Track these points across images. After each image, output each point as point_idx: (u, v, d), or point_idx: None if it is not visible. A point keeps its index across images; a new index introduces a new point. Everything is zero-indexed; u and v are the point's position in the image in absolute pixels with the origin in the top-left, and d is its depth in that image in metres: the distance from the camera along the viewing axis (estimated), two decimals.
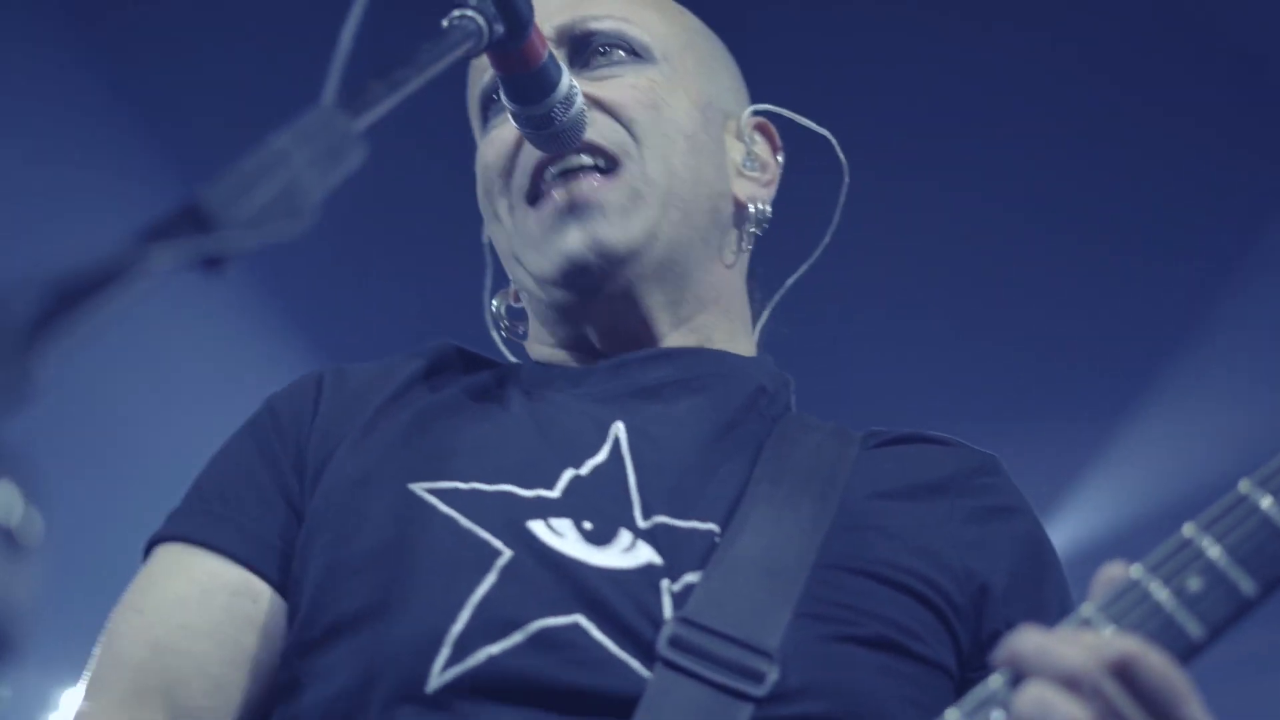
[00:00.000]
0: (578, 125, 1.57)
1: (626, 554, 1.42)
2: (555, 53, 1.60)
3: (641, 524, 1.45)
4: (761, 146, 1.83)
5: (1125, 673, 1.01)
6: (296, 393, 1.65)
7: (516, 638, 1.35)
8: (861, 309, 4.61)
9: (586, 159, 1.65)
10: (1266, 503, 1.04)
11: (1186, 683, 1.02)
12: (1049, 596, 1.54)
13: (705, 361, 1.68)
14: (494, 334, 1.83)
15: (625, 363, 1.66)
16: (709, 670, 1.33)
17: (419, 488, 1.48)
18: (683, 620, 1.36)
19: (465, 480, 1.49)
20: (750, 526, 1.44)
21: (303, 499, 1.54)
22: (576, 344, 1.72)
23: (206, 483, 1.60)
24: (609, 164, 1.67)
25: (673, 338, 1.70)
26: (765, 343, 1.85)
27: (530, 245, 1.67)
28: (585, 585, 1.39)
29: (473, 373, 1.69)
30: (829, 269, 1.88)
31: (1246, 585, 1.01)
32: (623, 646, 1.35)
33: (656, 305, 1.68)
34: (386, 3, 1.26)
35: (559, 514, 1.45)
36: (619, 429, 1.55)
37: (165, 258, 0.92)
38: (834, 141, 1.86)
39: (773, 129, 1.86)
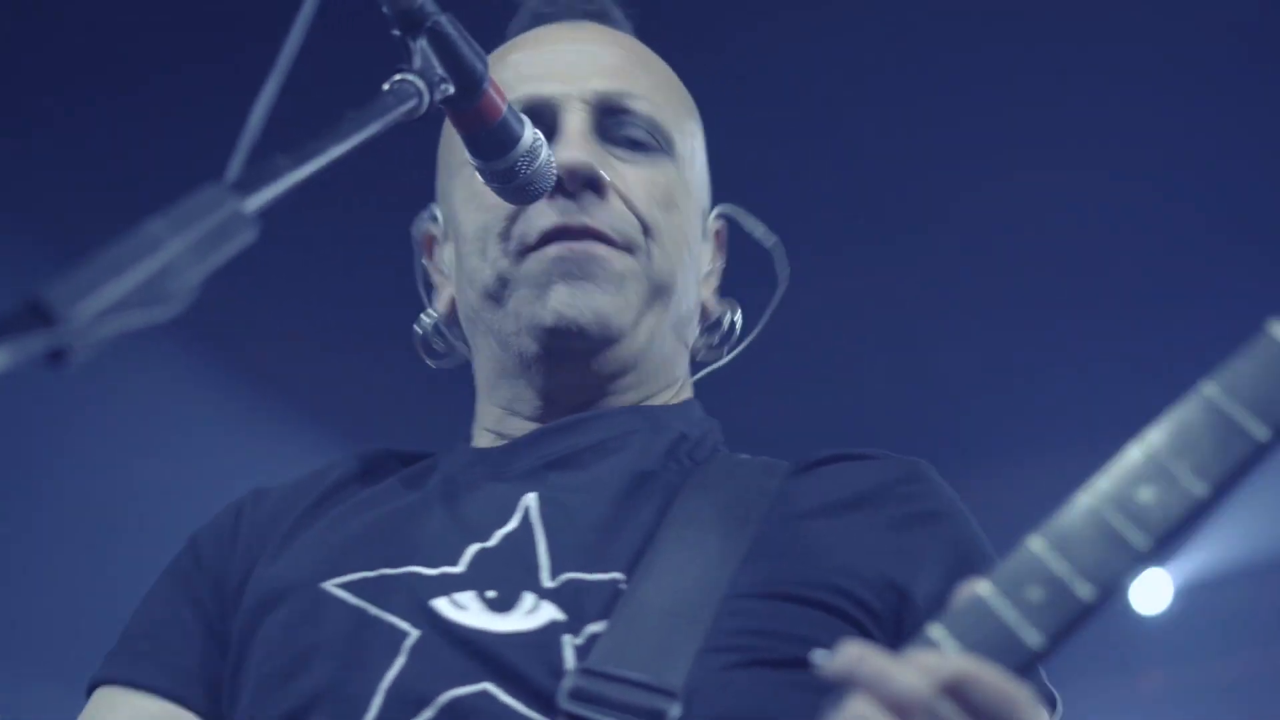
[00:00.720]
0: (544, 177, 1.56)
1: (529, 616, 1.43)
2: (581, 112, 1.65)
3: (548, 584, 1.46)
4: (712, 247, 1.85)
5: (959, 692, 1.01)
6: (217, 523, 1.70)
7: (427, 713, 1.38)
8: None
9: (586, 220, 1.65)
10: (1113, 515, 1.05)
11: (1022, 694, 1.02)
12: None
13: (625, 421, 1.68)
14: (425, 358, 1.83)
15: (544, 433, 1.67)
16: (611, 717, 1.33)
17: (329, 585, 1.51)
18: (584, 671, 1.36)
19: (373, 568, 1.51)
20: (656, 570, 1.44)
21: (225, 625, 1.59)
22: (514, 408, 1.71)
23: (133, 624, 1.65)
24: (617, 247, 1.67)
25: (606, 403, 1.70)
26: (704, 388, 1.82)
27: (528, 283, 1.64)
28: (489, 653, 1.40)
29: (398, 469, 1.71)
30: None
31: (1085, 591, 1.03)
32: (531, 706, 1.37)
33: (607, 379, 1.69)
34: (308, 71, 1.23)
35: (462, 588, 1.47)
36: (529, 499, 1.56)
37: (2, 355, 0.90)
38: (775, 256, 1.85)
39: (724, 229, 1.88)
